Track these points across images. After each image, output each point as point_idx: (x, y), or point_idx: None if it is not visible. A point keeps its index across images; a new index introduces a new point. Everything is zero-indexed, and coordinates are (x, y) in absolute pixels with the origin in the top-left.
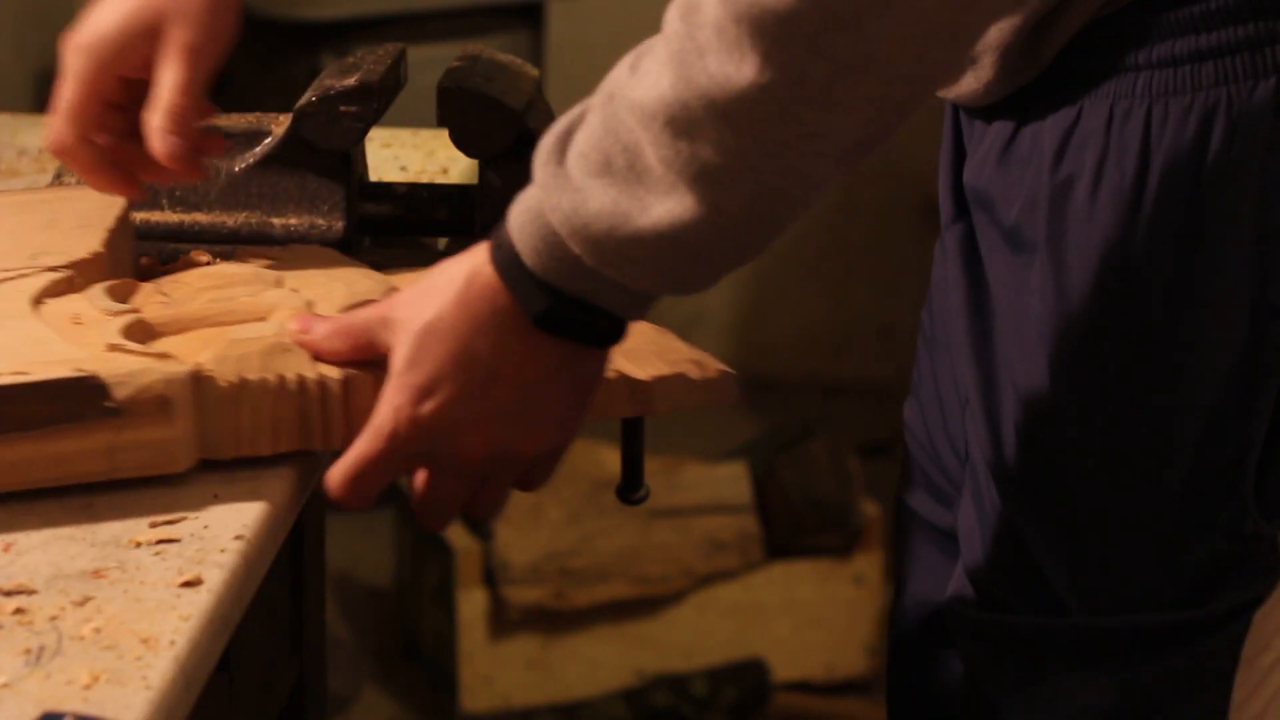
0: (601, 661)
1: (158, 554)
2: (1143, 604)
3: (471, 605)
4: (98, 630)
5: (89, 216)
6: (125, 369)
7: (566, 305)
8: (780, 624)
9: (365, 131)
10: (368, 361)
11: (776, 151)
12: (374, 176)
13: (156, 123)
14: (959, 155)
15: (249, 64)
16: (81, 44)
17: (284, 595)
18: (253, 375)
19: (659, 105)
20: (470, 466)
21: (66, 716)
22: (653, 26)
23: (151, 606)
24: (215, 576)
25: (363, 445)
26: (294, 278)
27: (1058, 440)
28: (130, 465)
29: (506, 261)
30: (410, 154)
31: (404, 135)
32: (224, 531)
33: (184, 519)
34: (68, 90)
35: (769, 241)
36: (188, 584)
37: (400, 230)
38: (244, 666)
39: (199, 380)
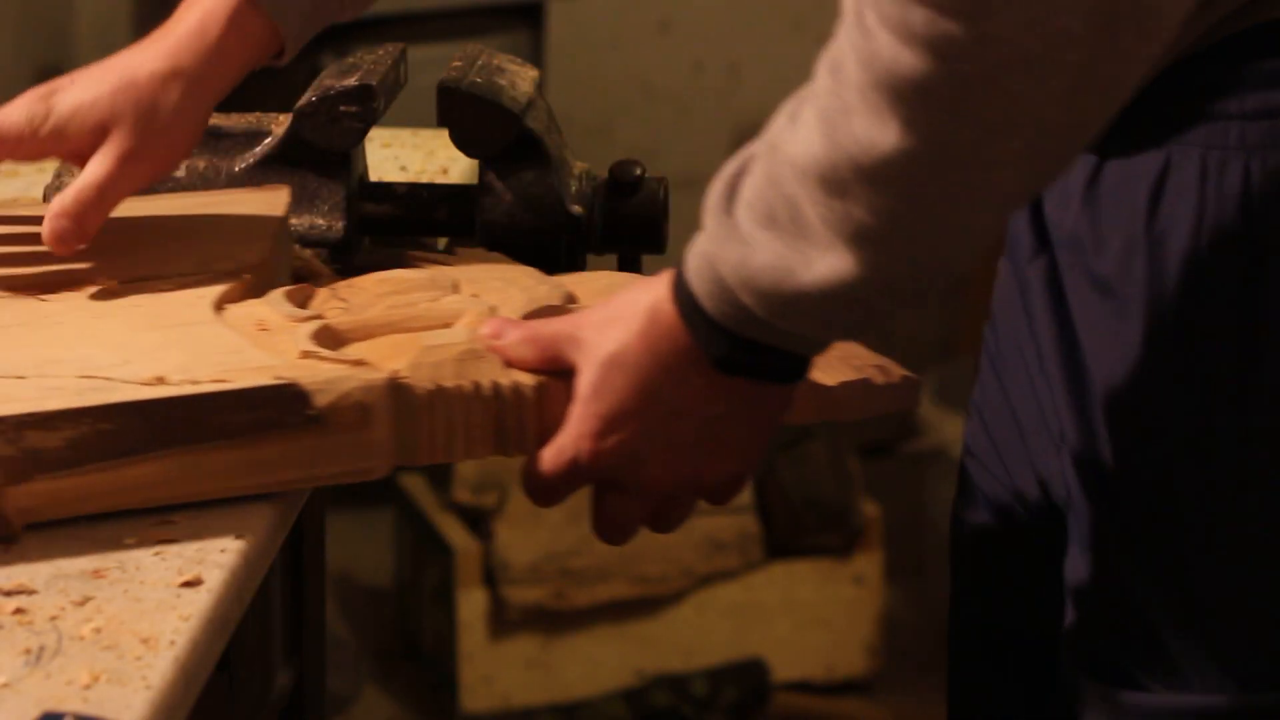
0: (601, 661)
1: (157, 554)
2: (1269, 681)
3: (471, 605)
4: (98, 630)
5: (252, 221)
6: (323, 376)
7: (745, 349)
8: (780, 624)
9: (365, 131)
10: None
11: (929, 212)
12: (374, 176)
13: (59, 204)
14: None
15: None
16: (38, 110)
17: (284, 595)
18: (448, 382)
19: (811, 164)
20: (652, 492)
21: (66, 716)
22: (652, 27)
23: (151, 606)
24: (215, 576)
25: (547, 462)
26: (471, 283)
27: (1171, 505)
28: (328, 473)
29: (686, 303)
30: (410, 154)
31: (404, 135)
32: (224, 531)
33: (184, 519)
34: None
35: (939, 289)
36: (188, 584)
37: (400, 230)
38: (244, 666)
39: (396, 387)
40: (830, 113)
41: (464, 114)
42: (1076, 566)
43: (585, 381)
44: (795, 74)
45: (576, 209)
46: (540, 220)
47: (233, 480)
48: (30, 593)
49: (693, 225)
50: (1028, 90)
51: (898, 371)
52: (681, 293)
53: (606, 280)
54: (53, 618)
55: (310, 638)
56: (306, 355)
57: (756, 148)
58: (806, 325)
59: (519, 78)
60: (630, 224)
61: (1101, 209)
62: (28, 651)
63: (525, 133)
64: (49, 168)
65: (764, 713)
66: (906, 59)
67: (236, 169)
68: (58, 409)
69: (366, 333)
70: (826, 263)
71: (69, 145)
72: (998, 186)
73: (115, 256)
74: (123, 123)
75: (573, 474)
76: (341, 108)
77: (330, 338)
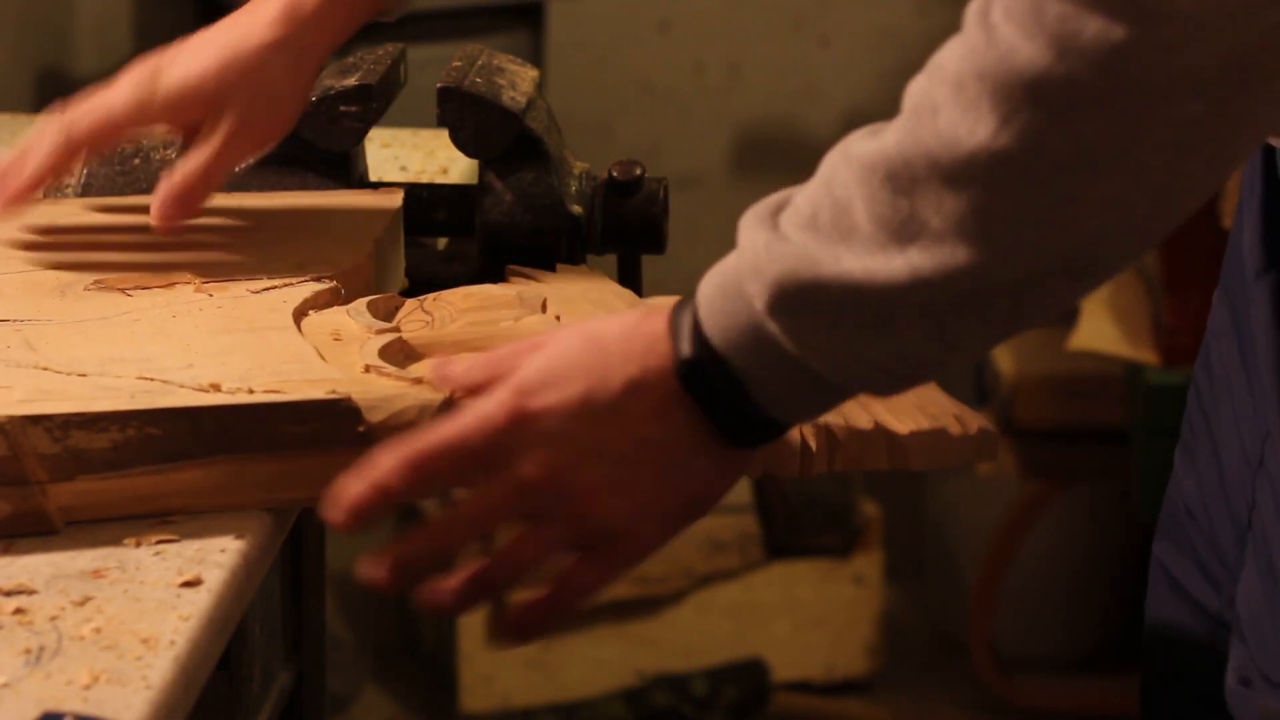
0: (601, 661)
1: (158, 554)
2: None
3: None
4: (98, 630)
5: (358, 225)
6: (380, 393)
7: (712, 363)
8: (780, 624)
9: (365, 131)
10: None
11: (993, 229)
12: (374, 176)
13: (168, 187)
14: (1272, 195)
15: None
16: (145, 88)
17: (284, 595)
18: None
19: (879, 159)
20: (540, 496)
21: (66, 717)
22: (652, 27)
23: (151, 606)
24: (215, 576)
25: (437, 432)
26: (558, 303)
27: None
28: None
29: (680, 308)
30: (410, 154)
31: (404, 135)
32: (224, 531)
33: (184, 519)
34: (101, 111)
35: (970, 352)
36: (188, 584)
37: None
38: (244, 666)
39: (451, 408)
40: (917, 109)
41: (464, 114)
42: (1252, 588)
43: (534, 346)
44: (795, 74)
45: (576, 209)
46: (540, 220)
47: (278, 492)
48: (30, 593)
49: (693, 225)
50: (1135, 122)
51: (975, 422)
52: (681, 304)
53: None
54: (53, 618)
55: (310, 638)
56: (369, 370)
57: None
58: (809, 324)
59: (519, 78)
60: (630, 224)
61: None
62: (28, 651)
63: (525, 133)
64: None
65: (764, 713)
66: (1025, 51)
67: (237, 169)
68: (105, 410)
69: (441, 349)
70: (861, 262)
71: (180, 118)
72: (1072, 233)
73: (210, 255)
74: (233, 100)
75: (468, 437)
76: (341, 108)
77: (401, 352)
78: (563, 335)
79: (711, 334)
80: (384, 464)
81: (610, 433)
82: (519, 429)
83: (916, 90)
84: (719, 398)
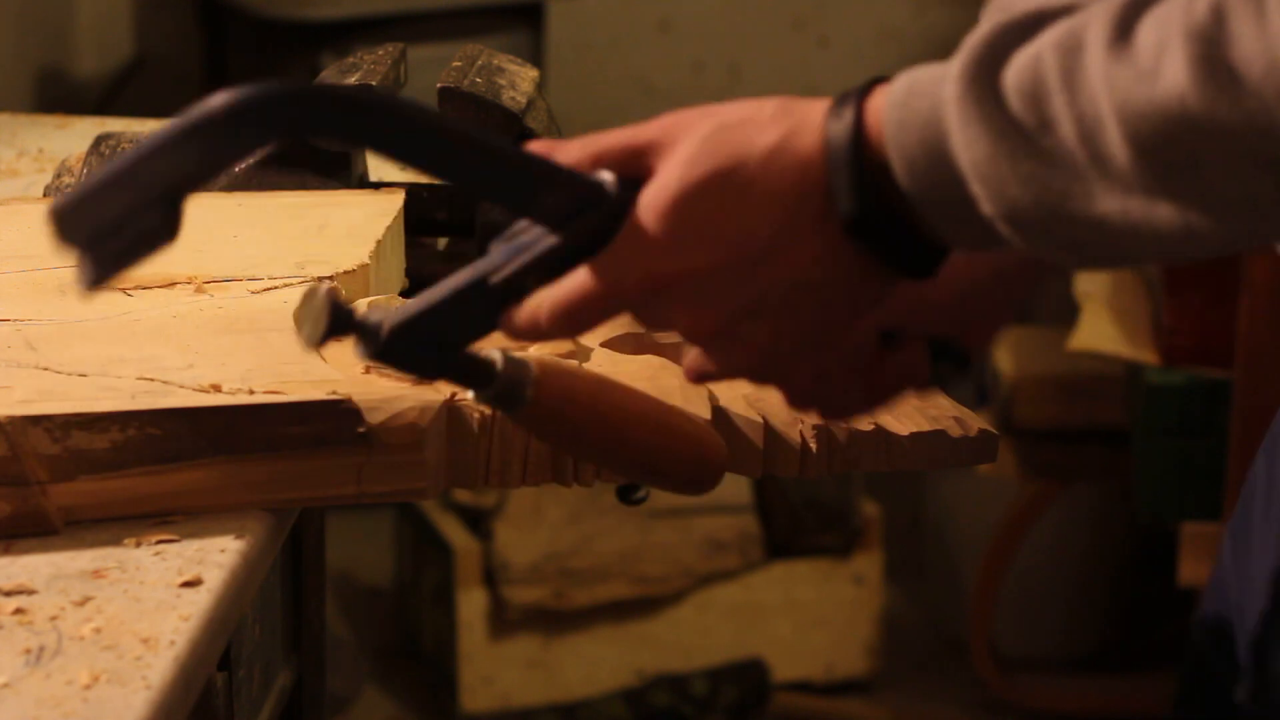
0: (601, 661)
1: (157, 554)
2: None
3: (471, 605)
4: (98, 630)
5: (359, 225)
6: (380, 394)
7: (886, 218)
8: (780, 624)
9: None
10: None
11: None
12: (374, 176)
13: None
14: None
15: (249, 64)
16: None
17: (284, 595)
18: None
19: (1165, 111)
20: (698, 339)
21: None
22: (652, 27)
23: (151, 606)
24: (215, 576)
25: (579, 290)
26: None
27: None
28: (376, 491)
29: (840, 140)
30: None
31: None
32: (224, 531)
33: (184, 518)
34: None
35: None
36: (188, 584)
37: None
38: (244, 666)
39: (452, 410)
40: (1214, 59)
41: (464, 114)
42: None
43: (682, 151)
44: (795, 74)
45: None
46: None
47: (278, 492)
48: (30, 593)
49: None
50: None
51: (975, 424)
52: (839, 125)
53: None
54: (53, 618)
55: (310, 638)
56: (369, 370)
57: (1049, 31)
58: (1050, 246)
59: (519, 78)
60: None
61: None
62: (28, 651)
63: (525, 133)
64: (49, 168)
65: (764, 713)
66: None
67: (236, 169)
68: (106, 411)
69: None
70: (1119, 203)
71: None
72: None
73: (210, 254)
74: None
75: (617, 301)
76: None
77: None
78: (694, 158)
79: (913, 187)
80: (540, 321)
81: (763, 286)
82: (654, 297)
83: (1204, 27)
84: (893, 245)
